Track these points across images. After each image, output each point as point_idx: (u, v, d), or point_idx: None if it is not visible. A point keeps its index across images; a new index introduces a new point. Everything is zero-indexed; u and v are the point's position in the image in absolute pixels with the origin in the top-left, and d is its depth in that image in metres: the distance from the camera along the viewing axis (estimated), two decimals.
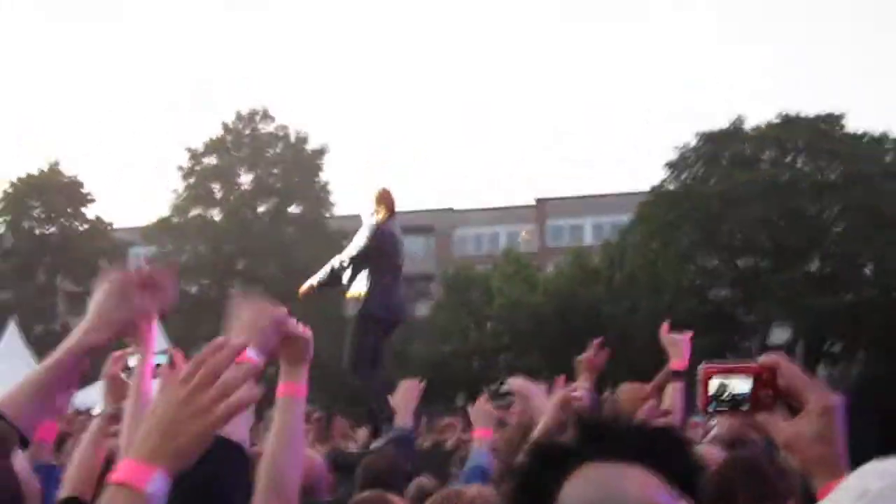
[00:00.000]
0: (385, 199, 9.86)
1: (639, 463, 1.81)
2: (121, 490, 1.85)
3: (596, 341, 6.34)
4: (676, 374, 5.85)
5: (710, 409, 2.33)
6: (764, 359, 2.26)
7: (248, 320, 3.14)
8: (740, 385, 2.28)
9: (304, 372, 3.35)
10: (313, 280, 10.06)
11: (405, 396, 6.78)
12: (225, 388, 1.89)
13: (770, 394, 2.25)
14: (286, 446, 3.21)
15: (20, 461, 3.07)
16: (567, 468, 1.83)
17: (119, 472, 1.87)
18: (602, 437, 1.87)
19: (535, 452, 1.92)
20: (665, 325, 6.07)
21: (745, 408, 2.28)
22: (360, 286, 9.60)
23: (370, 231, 9.67)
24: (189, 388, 1.90)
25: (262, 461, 3.20)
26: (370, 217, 9.81)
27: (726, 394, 2.29)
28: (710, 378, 2.30)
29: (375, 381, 9.58)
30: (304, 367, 3.36)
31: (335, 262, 9.83)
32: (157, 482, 1.83)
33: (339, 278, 9.82)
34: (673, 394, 5.74)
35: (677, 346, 5.96)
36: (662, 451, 1.85)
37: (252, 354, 2.36)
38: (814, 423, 2.16)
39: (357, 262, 9.63)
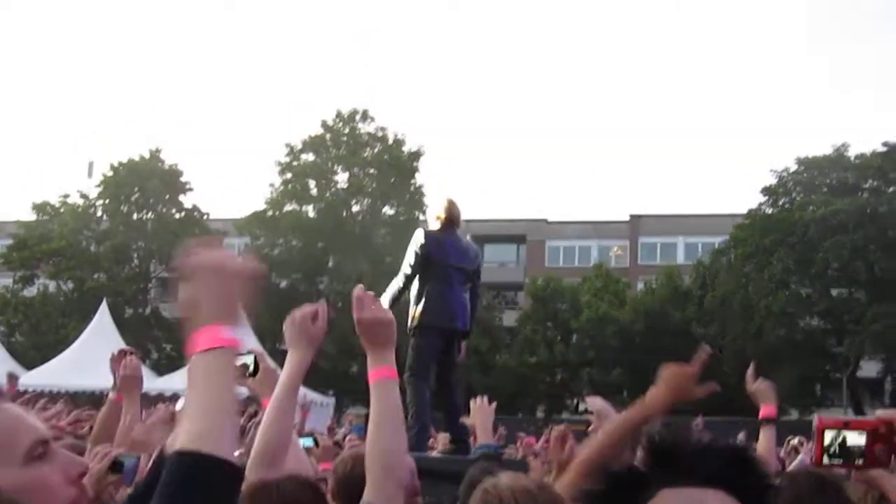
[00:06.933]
0: (447, 210, 9.79)
1: (714, 486, 1.77)
2: (207, 354, 2.04)
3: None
4: (768, 421, 5.69)
5: (825, 463, 2.30)
6: (881, 413, 2.22)
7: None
8: (855, 439, 2.24)
9: (392, 355, 3.34)
10: (384, 300, 9.68)
11: (481, 416, 6.71)
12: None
13: (886, 449, 2.21)
14: (390, 429, 3.22)
15: None
16: (643, 495, 1.78)
17: (197, 345, 2.05)
18: (676, 462, 1.81)
19: (608, 479, 1.85)
20: (751, 371, 5.78)
21: (859, 462, 2.25)
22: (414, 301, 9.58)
23: (415, 241, 9.60)
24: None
25: (368, 450, 3.21)
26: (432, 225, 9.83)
27: (840, 447, 2.25)
28: (824, 430, 2.26)
29: (421, 389, 9.35)
30: (391, 350, 3.34)
31: (397, 283, 9.67)
32: (227, 331, 2.05)
33: (403, 295, 9.74)
34: (766, 440, 5.60)
35: (766, 392, 5.74)
36: (735, 471, 1.80)
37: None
38: None
39: (410, 276, 9.58)
